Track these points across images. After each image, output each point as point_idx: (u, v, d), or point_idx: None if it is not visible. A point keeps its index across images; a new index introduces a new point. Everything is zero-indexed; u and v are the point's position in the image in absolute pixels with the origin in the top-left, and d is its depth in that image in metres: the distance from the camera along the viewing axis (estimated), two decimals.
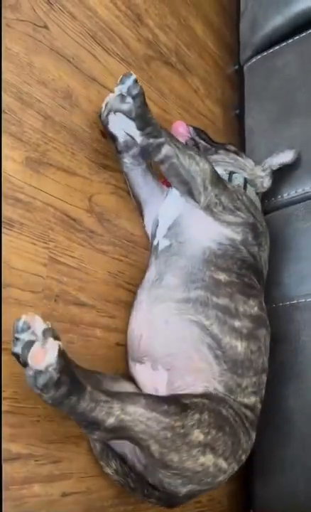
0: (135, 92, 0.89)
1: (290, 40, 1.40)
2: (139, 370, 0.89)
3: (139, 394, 0.75)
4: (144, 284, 0.95)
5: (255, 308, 0.92)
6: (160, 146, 0.91)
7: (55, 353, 0.65)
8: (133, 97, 0.89)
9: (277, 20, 1.41)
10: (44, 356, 0.65)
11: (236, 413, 0.83)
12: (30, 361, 0.66)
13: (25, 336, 0.68)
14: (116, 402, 0.70)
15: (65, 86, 0.94)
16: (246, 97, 1.46)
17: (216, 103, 1.51)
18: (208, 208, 0.94)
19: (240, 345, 0.88)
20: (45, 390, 0.65)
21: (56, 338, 0.70)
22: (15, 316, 0.75)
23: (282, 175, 1.23)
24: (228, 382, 0.85)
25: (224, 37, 1.64)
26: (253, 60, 1.47)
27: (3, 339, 0.73)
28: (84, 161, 0.95)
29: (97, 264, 0.93)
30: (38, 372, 0.65)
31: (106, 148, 1.00)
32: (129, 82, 0.89)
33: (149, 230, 1.05)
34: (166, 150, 0.91)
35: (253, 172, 1.16)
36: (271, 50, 1.44)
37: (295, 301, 1.11)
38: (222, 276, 0.90)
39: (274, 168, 1.18)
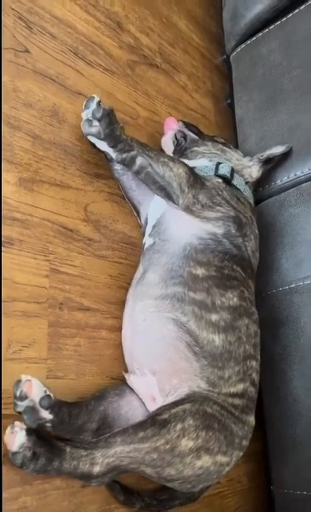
0: (99, 114, 0.94)
1: (272, 26, 1.42)
2: (133, 381, 0.93)
3: (115, 433, 0.78)
4: (132, 282, 1.00)
5: (235, 299, 0.94)
6: (133, 158, 0.96)
7: (23, 432, 0.73)
8: (99, 120, 0.94)
9: (258, 8, 1.42)
10: (14, 439, 0.72)
11: (222, 407, 0.87)
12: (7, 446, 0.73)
13: (24, 403, 0.76)
14: (97, 451, 0.76)
15: (51, 104, 1.00)
16: (234, 87, 1.48)
17: (206, 96, 1.53)
18: (187, 208, 0.97)
19: (218, 339, 0.90)
20: (24, 467, 0.72)
21: (53, 405, 0.78)
22: (23, 327, 0.82)
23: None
24: (210, 376, 0.88)
25: (209, 28, 1.66)
26: (238, 49, 1.49)
27: (12, 349, 0.80)
28: (76, 174, 1.01)
29: (98, 269, 0.99)
30: (14, 454, 0.72)
31: (97, 158, 1.05)
32: (93, 105, 0.95)
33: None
34: (140, 161, 0.96)
35: (240, 162, 1.18)
36: (254, 38, 1.45)
37: (294, 285, 1.14)
38: (200, 271, 0.93)
39: (262, 159, 1.20)
